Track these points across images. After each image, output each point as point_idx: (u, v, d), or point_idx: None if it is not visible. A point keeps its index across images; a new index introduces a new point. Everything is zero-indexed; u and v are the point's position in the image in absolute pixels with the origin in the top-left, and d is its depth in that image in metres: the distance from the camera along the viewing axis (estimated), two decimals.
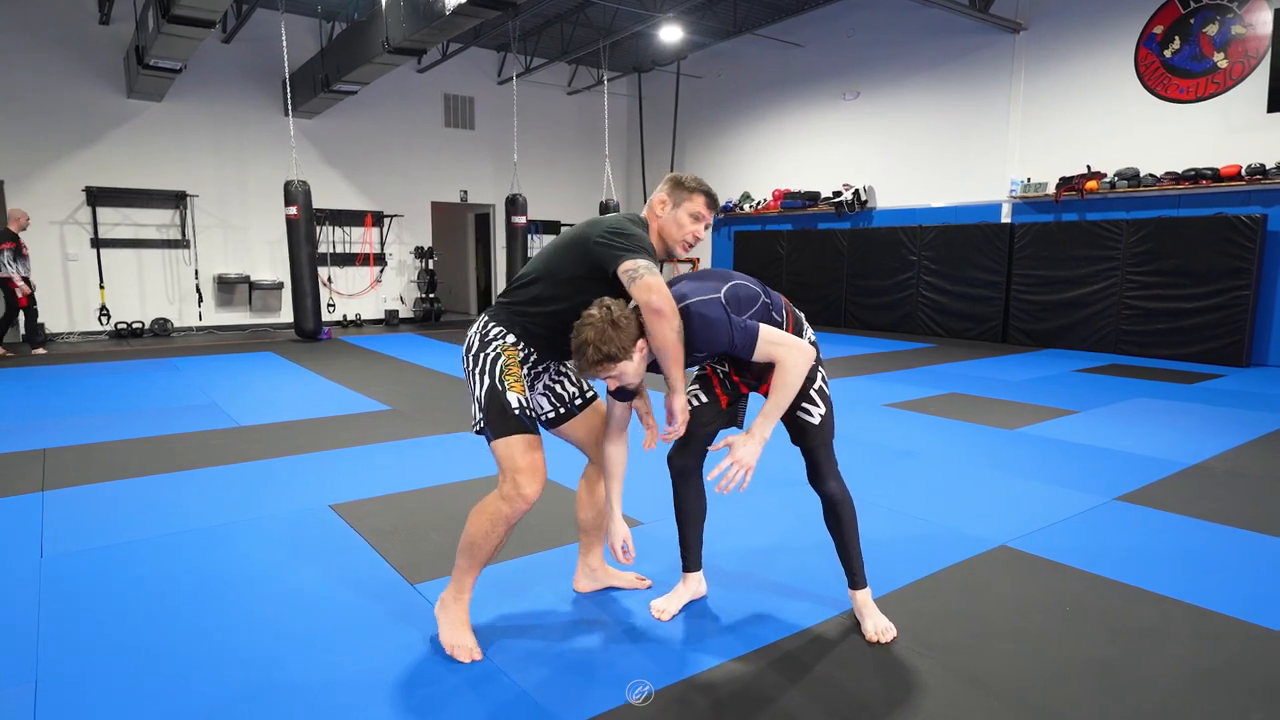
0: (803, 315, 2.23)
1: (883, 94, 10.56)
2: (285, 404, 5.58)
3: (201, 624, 2.23)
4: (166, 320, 10.46)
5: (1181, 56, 7.81)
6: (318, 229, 11.37)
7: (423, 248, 12.53)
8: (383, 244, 12.30)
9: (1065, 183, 8.55)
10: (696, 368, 2.29)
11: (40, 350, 8.53)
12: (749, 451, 1.94)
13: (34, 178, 9.51)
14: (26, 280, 8.26)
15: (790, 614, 2.30)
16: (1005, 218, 9.32)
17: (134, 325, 10.19)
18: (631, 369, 1.92)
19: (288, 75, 9.61)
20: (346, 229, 11.93)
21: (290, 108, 10.02)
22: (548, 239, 11.67)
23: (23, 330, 8.69)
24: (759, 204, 12.15)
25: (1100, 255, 8.26)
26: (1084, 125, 8.60)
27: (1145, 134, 8.12)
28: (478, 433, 2.07)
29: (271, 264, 11.22)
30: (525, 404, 2.02)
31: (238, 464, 3.93)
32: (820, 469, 2.15)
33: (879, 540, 2.84)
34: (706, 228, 2.16)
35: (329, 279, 11.74)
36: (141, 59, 8.47)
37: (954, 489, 3.54)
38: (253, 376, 6.85)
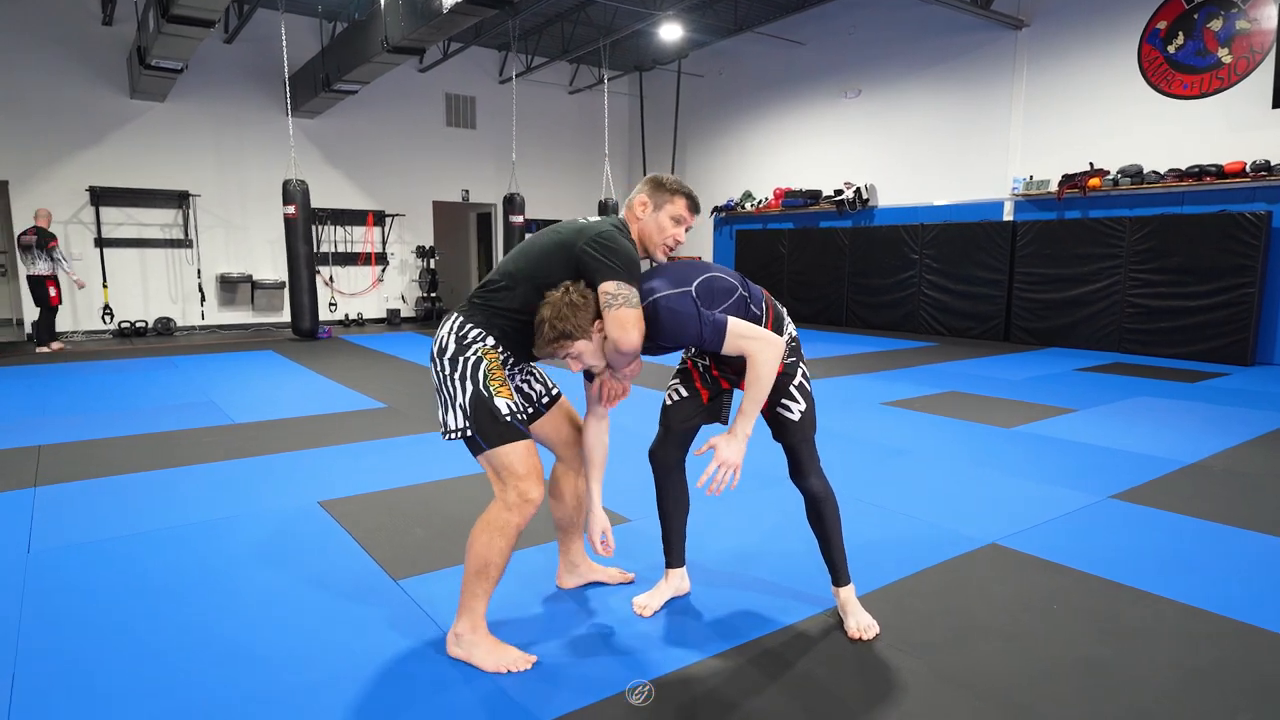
0: (785, 310, 2.21)
1: (884, 92, 10.51)
2: (282, 402, 5.58)
3: (181, 618, 2.23)
4: (169, 319, 10.50)
5: (1185, 52, 7.74)
6: (319, 229, 11.41)
7: (424, 247, 12.55)
8: (384, 243, 12.32)
9: (1068, 180, 8.49)
10: (679, 364, 2.29)
11: (45, 349, 8.57)
12: (733, 450, 1.92)
13: (38, 178, 9.56)
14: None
15: (772, 611, 2.28)
16: (1007, 216, 9.27)
17: (137, 324, 10.24)
18: (590, 349, 1.92)
19: (288, 75, 9.64)
20: (348, 228, 11.96)
21: (291, 107, 10.04)
22: None
23: (28, 329, 8.73)
24: (760, 203, 12.12)
25: (1103, 253, 8.19)
26: (1087, 122, 8.54)
27: (1148, 130, 8.06)
28: (457, 440, 1.97)
29: (273, 263, 11.24)
30: (515, 408, 1.97)
31: (230, 460, 3.94)
32: (802, 465, 2.13)
33: (866, 538, 2.82)
34: (687, 230, 2.15)
35: (331, 278, 11.77)
36: (143, 59, 8.52)
37: (946, 487, 3.51)
38: (251, 375, 6.86)
